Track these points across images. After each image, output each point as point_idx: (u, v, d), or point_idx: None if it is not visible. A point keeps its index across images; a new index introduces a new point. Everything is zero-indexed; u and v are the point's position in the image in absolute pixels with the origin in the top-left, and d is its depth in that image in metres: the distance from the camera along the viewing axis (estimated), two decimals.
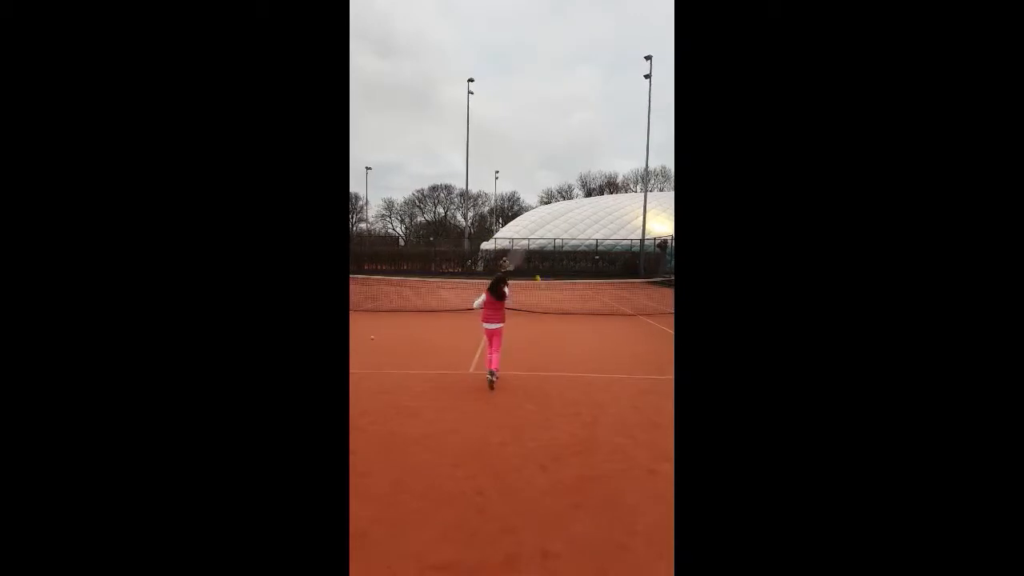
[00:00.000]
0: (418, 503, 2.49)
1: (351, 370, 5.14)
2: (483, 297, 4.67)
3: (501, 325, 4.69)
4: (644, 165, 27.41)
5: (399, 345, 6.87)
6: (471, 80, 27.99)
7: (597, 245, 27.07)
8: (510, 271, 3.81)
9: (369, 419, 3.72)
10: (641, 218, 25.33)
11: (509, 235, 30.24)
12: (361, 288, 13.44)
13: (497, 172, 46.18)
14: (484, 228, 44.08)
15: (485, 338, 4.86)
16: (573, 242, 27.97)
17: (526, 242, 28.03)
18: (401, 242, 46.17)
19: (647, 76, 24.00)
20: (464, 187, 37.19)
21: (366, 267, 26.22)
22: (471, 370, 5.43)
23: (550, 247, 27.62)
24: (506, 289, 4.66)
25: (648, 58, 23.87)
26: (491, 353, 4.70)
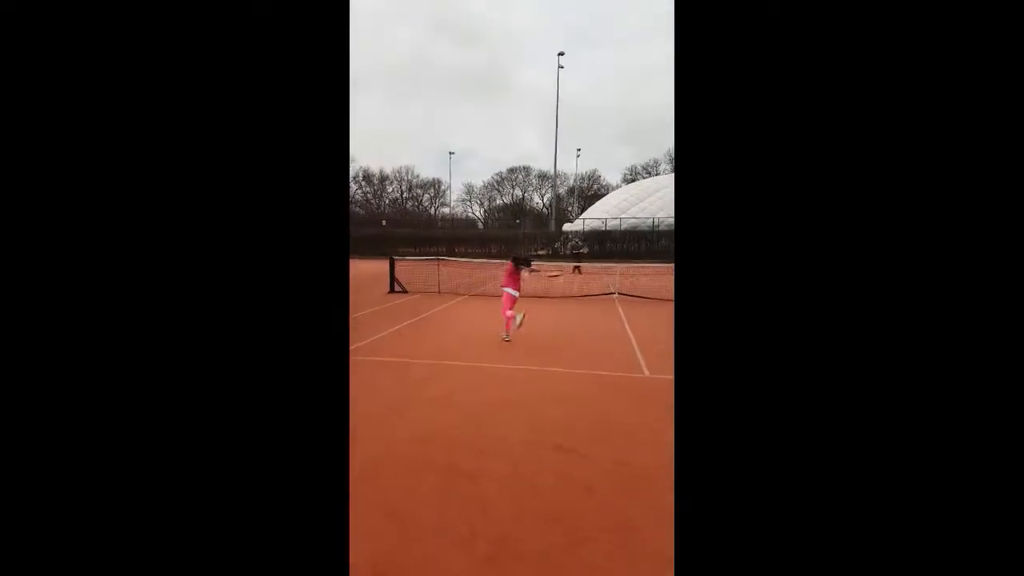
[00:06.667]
0: None
1: (524, 367, 4.33)
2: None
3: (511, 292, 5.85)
4: None
5: (544, 338, 6.27)
6: (561, 54, 26.60)
7: None
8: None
9: (580, 440, 3.08)
10: None
11: (599, 215, 28.73)
12: (459, 271, 13.23)
13: (579, 150, 44.43)
14: (560, 209, 42.56)
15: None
16: (670, 220, 25.81)
17: (617, 222, 26.42)
18: (480, 225, 46.59)
19: None
20: (541, 167, 36.11)
21: (456, 250, 26.58)
22: (646, 373, 4.64)
23: (644, 227, 25.73)
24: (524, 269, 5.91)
25: None
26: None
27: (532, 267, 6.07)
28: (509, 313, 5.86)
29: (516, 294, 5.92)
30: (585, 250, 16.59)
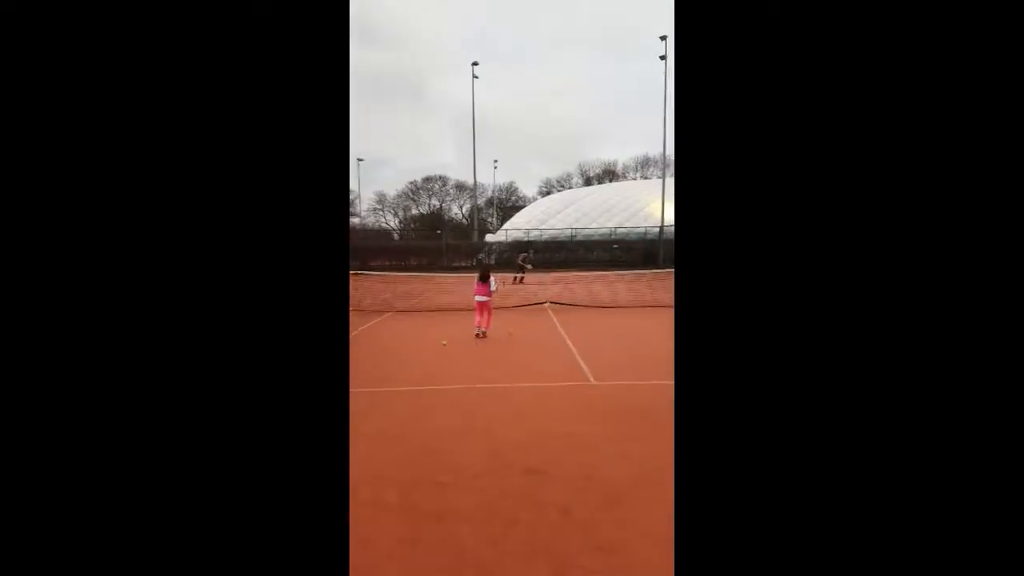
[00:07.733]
0: None
1: (470, 386, 4.14)
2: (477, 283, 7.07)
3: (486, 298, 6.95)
4: (655, 151, 26.97)
5: (485, 352, 6.07)
6: (475, 64, 26.92)
7: (612, 233, 26.44)
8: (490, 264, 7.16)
9: (546, 459, 2.94)
10: (652, 205, 24.83)
11: (520, 225, 29.34)
12: (381, 286, 12.53)
13: (496, 161, 45.17)
14: (481, 220, 42.76)
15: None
16: (586, 231, 27.24)
17: (539, 232, 27.23)
18: (395, 236, 44.87)
19: (663, 57, 23.20)
20: (458, 178, 36.08)
21: (371, 264, 25.19)
22: (592, 381, 4.68)
23: (564, 237, 26.86)
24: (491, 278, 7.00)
25: (663, 38, 23.05)
26: (486, 316, 6.98)
27: (492, 275, 7.11)
28: (477, 320, 6.97)
29: (480, 299, 6.94)
30: (531, 266, 17.47)
